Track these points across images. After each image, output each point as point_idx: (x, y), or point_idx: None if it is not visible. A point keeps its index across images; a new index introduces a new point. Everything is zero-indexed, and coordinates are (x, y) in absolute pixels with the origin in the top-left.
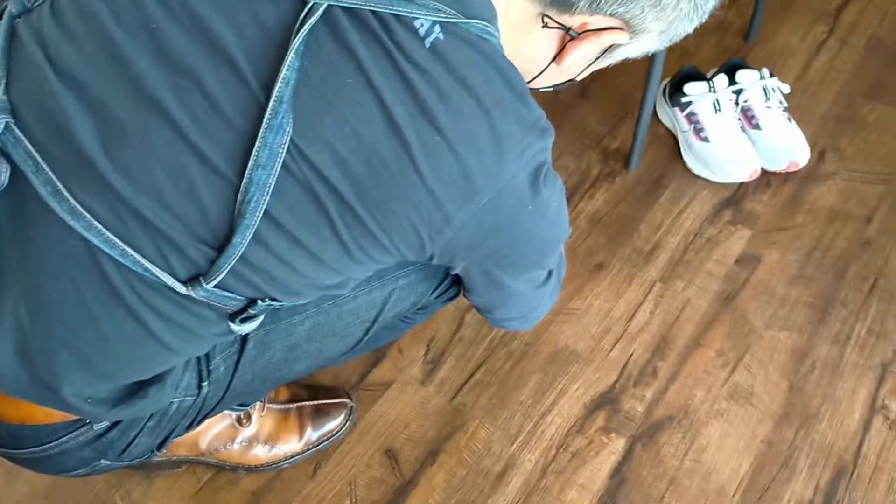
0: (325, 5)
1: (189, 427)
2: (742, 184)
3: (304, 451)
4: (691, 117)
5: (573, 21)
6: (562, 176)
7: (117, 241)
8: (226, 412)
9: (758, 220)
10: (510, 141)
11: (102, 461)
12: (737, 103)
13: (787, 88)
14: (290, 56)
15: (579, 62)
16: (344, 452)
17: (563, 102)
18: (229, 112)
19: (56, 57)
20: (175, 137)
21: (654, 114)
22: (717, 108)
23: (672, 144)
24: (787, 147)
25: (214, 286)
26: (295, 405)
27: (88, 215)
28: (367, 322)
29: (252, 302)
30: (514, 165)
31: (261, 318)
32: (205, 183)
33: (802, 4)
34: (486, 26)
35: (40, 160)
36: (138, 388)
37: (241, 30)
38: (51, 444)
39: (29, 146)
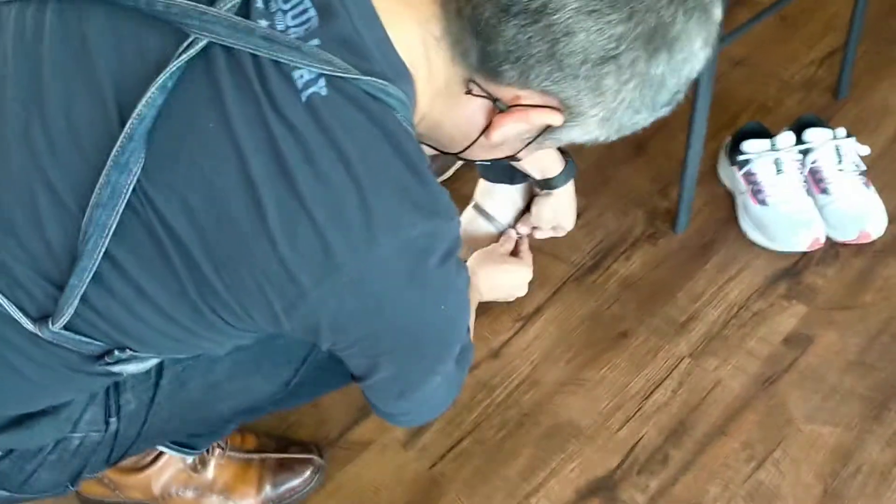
0: (204, 42)
1: (107, 463)
2: (805, 254)
3: None
4: (749, 177)
5: (504, 93)
6: (600, 235)
7: None
8: (178, 455)
9: (817, 295)
10: (384, 217)
11: (1, 491)
12: (804, 164)
13: (865, 150)
14: (152, 91)
15: (513, 139)
16: None
17: (615, 156)
18: (86, 143)
19: None
20: (29, 162)
21: (716, 173)
22: (779, 168)
23: (730, 207)
24: (859, 214)
25: (63, 328)
26: (258, 456)
27: None
28: (296, 362)
29: (110, 350)
30: (387, 246)
31: (151, 361)
32: (51, 215)
33: None
34: (384, 86)
35: None
36: (25, 419)
37: (122, 58)
38: None
39: None
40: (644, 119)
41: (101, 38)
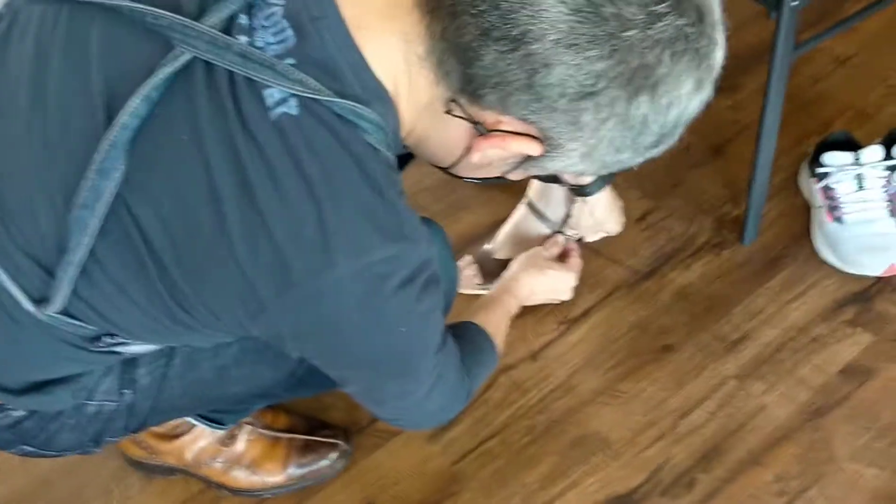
0: (188, 55)
1: (126, 430)
2: (879, 279)
3: (285, 485)
4: (827, 192)
5: (485, 116)
6: (662, 241)
7: None
8: (207, 428)
9: (886, 326)
10: (343, 239)
11: (26, 447)
12: (889, 182)
13: None
14: (136, 101)
15: (496, 162)
16: (327, 496)
17: (690, 158)
18: (77, 146)
19: None
20: (29, 159)
21: (797, 183)
22: (860, 184)
23: (807, 221)
24: None
25: (58, 313)
26: (287, 436)
27: None
28: None
29: (100, 335)
30: (344, 267)
31: (149, 345)
32: (44, 210)
33: None
34: (357, 108)
35: None
36: (44, 385)
37: (117, 66)
38: None
39: None
40: (629, 159)
41: (101, 45)
